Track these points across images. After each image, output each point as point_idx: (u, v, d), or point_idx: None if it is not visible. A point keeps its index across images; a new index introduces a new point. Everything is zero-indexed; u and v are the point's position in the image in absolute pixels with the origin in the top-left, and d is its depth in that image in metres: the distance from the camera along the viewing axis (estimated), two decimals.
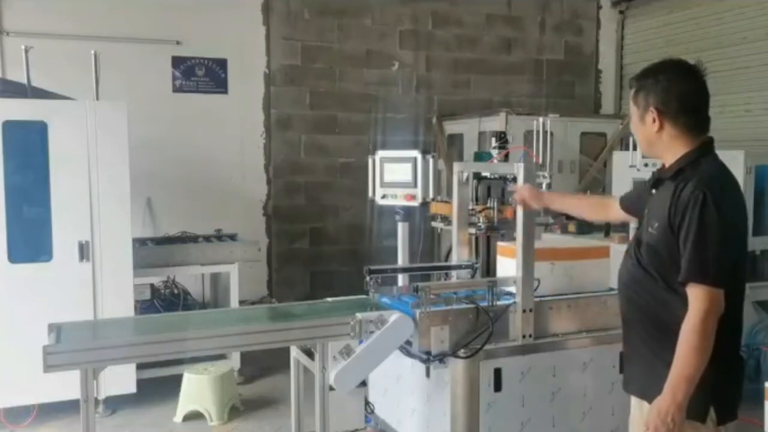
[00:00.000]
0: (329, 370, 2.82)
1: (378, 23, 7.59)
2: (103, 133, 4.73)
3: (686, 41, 7.53)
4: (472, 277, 3.72)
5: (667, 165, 2.40)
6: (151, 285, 5.42)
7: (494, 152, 4.80)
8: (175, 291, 5.75)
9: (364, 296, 3.35)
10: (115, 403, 4.89)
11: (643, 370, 2.37)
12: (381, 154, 4.30)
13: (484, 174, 4.88)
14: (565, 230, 6.31)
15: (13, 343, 4.38)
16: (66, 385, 3.15)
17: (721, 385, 2.25)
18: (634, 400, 2.48)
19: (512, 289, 3.17)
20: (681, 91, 2.38)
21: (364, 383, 3.48)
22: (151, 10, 6.59)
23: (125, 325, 3.33)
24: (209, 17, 6.81)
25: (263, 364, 5.56)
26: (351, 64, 7.50)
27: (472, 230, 4.70)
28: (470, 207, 4.45)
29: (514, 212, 3.49)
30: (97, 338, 2.73)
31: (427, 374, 3.08)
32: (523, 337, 3.06)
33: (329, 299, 3.41)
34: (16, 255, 4.58)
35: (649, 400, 2.26)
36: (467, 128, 7.38)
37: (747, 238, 2.37)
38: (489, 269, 5.08)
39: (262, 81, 7.15)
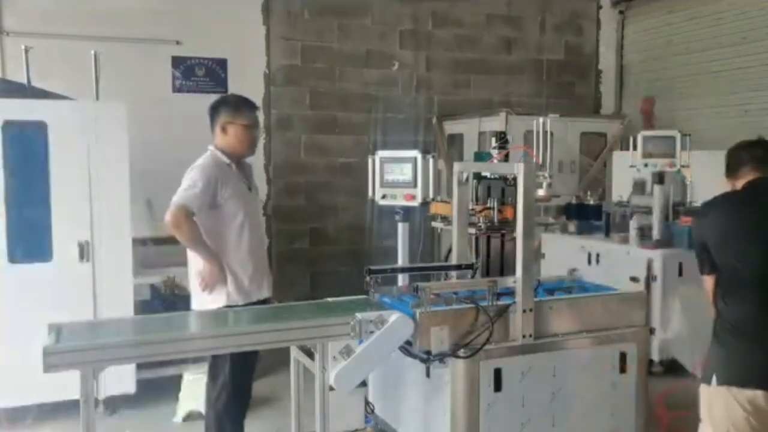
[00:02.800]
0: (329, 370, 2.82)
1: (378, 23, 7.59)
2: (103, 133, 4.74)
3: (686, 41, 7.54)
4: (472, 277, 3.72)
5: None
6: (151, 285, 5.42)
7: (494, 152, 4.80)
8: (175, 291, 5.74)
9: (364, 296, 3.35)
10: (115, 404, 4.89)
11: None
12: (381, 154, 4.29)
13: (484, 174, 4.88)
14: (565, 230, 6.32)
15: (12, 343, 4.38)
16: (66, 386, 3.14)
17: (721, 356, 2.84)
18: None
19: None
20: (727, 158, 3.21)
21: (364, 383, 3.48)
22: (150, 10, 6.59)
23: (125, 325, 3.32)
24: (209, 17, 6.81)
25: (263, 364, 5.54)
26: (351, 64, 7.50)
27: (472, 230, 4.70)
28: (470, 207, 4.45)
29: (514, 212, 3.50)
30: (97, 338, 2.72)
31: (427, 374, 3.08)
32: (523, 337, 3.06)
33: (329, 299, 3.41)
34: (16, 255, 4.59)
35: None
36: (467, 128, 7.38)
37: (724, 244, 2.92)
38: (489, 269, 5.08)
39: (262, 81, 7.15)
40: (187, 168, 3.81)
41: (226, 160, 3.75)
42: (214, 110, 3.84)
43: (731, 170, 3.12)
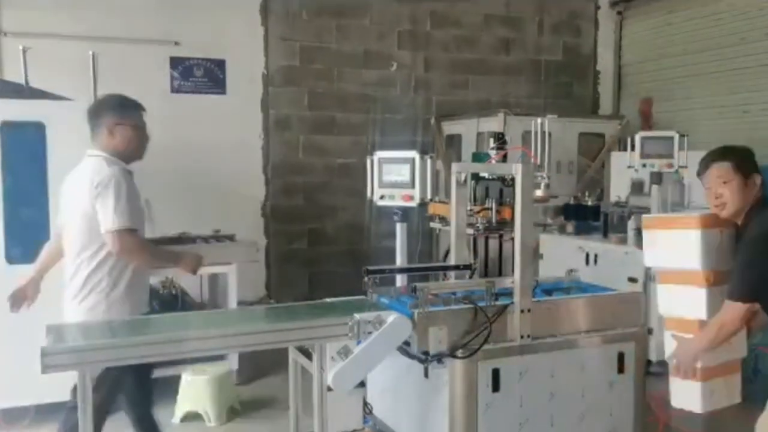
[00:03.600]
0: (327, 370, 2.82)
1: (376, 24, 7.60)
2: None
3: (684, 42, 7.55)
4: (470, 277, 3.72)
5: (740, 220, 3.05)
6: (150, 285, 5.41)
7: (492, 153, 4.81)
8: (174, 292, 5.74)
9: (362, 297, 3.35)
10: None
11: None
12: (379, 154, 4.30)
13: (482, 175, 4.89)
14: (563, 230, 6.33)
15: (10, 344, 4.38)
16: (64, 386, 3.14)
17: None
18: None
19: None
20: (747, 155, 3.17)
21: (362, 384, 3.48)
22: (149, 10, 6.59)
23: (123, 325, 3.32)
24: (207, 18, 6.81)
25: (263, 365, 5.55)
26: (349, 65, 7.50)
27: (471, 231, 4.70)
28: (468, 207, 4.46)
29: (512, 212, 3.50)
30: (95, 339, 2.72)
31: (426, 375, 3.08)
32: (522, 337, 3.06)
33: (328, 300, 3.41)
34: (13, 256, 4.58)
35: None
36: (465, 129, 7.38)
37: None
38: (487, 269, 5.09)
39: (260, 82, 7.15)
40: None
41: (125, 165, 3.45)
42: (97, 112, 3.52)
43: (753, 167, 3.07)
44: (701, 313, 3.09)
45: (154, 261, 3.57)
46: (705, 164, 3.13)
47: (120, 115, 3.48)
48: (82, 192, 3.33)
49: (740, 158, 3.08)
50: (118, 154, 3.44)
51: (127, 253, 3.32)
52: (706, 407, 3.17)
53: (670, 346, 3.25)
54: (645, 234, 3.36)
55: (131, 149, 3.49)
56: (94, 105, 3.61)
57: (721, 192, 3.04)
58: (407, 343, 2.94)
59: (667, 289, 3.27)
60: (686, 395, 3.19)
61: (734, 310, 2.90)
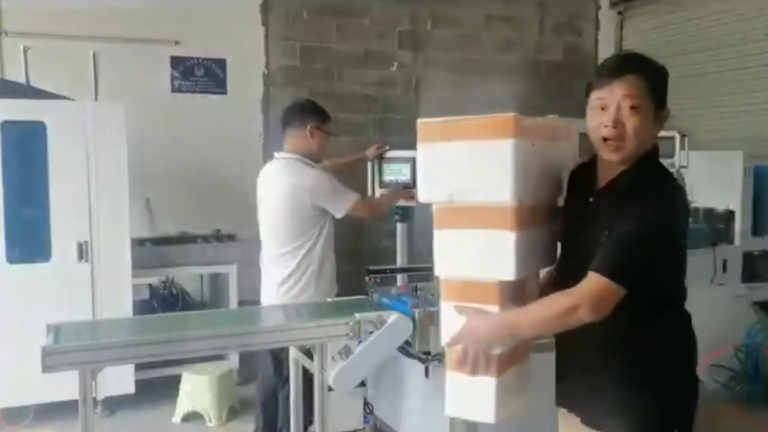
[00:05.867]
0: (328, 370, 2.82)
1: (376, 24, 7.59)
2: (102, 134, 4.74)
3: (685, 42, 7.54)
4: None
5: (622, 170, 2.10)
6: (150, 285, 5.42)
7: None
8: (174, 291, 5.74)
9: (363, 296, 3.35)
10: (114, 404, 4.89)
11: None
12: None
13: None
14: None
15: (11, 343, 4.38)
16: (64, 386, 3.14)
17: (683, 404, 2.09)
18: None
19: None
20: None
21: (363, 383, 3.48)
22: (149, 10, 6.57)
23: (124, 325, 3.32)
24: (208, 17, 6.80)
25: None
26: (350, 65, 7.49)
27: None
28: None
29: None
30: (96, 339, 2.72)
31: (426, 374, 3.08)
32: None
33: (328, 299, 3.42)
34: (13, 256, 4.58)
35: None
36: None
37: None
38: None
39: (260, 81, 7.14)
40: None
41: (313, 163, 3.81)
42: (300, 115, 3.85)
43: (666, 95, 2.17)
44: (507, 272, 2.01)
45: (385, 208, 4.14)
46: (610, 73, 2.05)
47: (321, 121, 3.84)
48: (284, 193, 3.72)
49: (657, 76, 2.13)
50: (310, 154, 3.80)
51: (374, 215, 4.13)
52: (500, 413, 2.15)
53: (450, 327, 2.12)
54: (421, 150, 2.27)
55: (320, 152, 3.86)
56: (296, 108, 3.92)
57: (623, 120, 2.02)
58: (408, 343, 2.95)
59: (451, 236, 2.10)
60: (472, 398, 2.17)
61: (607, 291, 1.90)
